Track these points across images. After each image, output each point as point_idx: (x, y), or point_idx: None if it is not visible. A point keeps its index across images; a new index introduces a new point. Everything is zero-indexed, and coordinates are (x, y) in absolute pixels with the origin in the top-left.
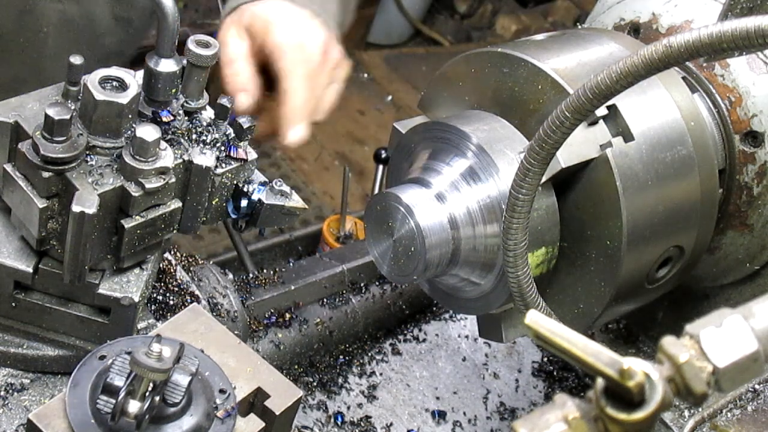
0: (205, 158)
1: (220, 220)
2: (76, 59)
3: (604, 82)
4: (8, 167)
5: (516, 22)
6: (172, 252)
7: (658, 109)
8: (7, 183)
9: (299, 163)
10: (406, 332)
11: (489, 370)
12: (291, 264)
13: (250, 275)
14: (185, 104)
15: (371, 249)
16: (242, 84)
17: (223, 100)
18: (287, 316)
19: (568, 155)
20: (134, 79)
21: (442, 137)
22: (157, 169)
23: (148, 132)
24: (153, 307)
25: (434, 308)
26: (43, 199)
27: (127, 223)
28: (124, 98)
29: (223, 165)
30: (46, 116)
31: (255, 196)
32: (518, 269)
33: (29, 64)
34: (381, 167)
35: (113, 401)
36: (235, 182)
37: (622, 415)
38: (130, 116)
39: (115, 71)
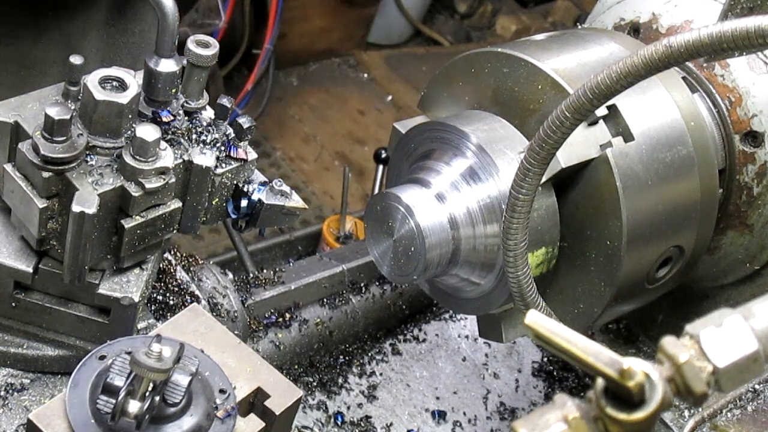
0: (205, 158)
1: (220, 220)
2: (76, 59)
3: (604, 82)
4: (8, 167)
5: (516, 22)
6: (172, 252)
7: (658, 109)
8: (7, 183)
9: (299, 163)
10: (406, 332)
11: (489, 370)
12: (291, 264)
13: (250, 275)
14: (185, 104)
15: (371, 249)
16: None
17: (223, 100)
18: (287, 316)
19: (568, 155)
20: (134, 79)
21: (442, 137)
22: (157, 169)
23: (148, 132)
24: (153, 307)
25: (434, 308)
26: (43, 199)
27: (127, 223)
28: (124, 98)
29: (223, 165)
30: (46, 116)
31: (255, 196)
32: (518, 269)
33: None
34: (381, 167)
35: (113, 401)
36: (235, 182)
37: (622, 415)
38: (130, 116)
39: (115, 71)
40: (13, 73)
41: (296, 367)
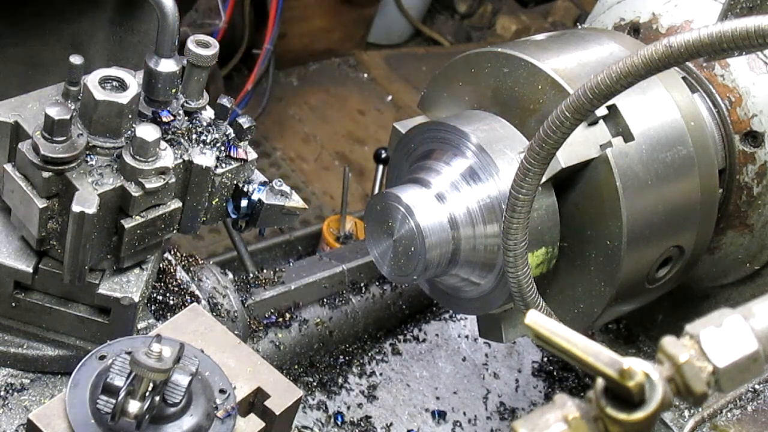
0: (205, 158)
1: (220, 220)
2: (76, 59)
3: (604, 82)
4: (8, 167)
5: (516, 22)
6: (172, 252)
7: (658, 109)
8: (7, 183)
9: (299, 163)
10: (406, 332)
11: (489, 370)
12: (291, 264)
13: (250, 275)
14: (185, 104)
15: (371, 249)
16: None
17: (223, 100)
18: (287, 316)
19: (568, 155)
20: (134, 79)
21: (442, 137)
22: (157, 169)
23: (148, 132)
24: (153, 307)
25: (434, 308)
26: (43, 199)
27: (127, 223)
28: (124, 98)
29: (223, 165)
30: (46, 116)
31: (255, 196)
32: (518, 269)
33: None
34: (381, 167)
35: (113, 401)
36: (235, 182)
37: (622, 415)
38: (130, 116)
39: (115, 71)
40: (20, 73)
41: (296, 367)
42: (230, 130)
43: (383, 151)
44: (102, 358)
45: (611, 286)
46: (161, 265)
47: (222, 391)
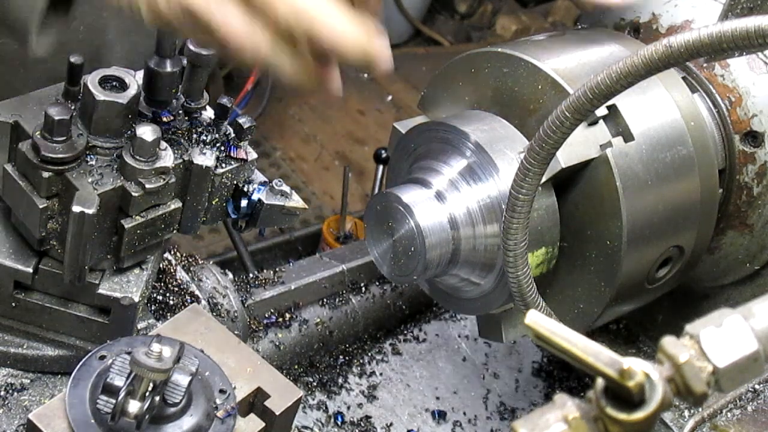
0: (205, 158)
1: (220, 220)
2: (76, 59)
3: (604, 82)
4: (8, 167)
5: (516, 22)
6: (172, 252)
7: (658, 109)
8: (7, 183)
9: (299, 163)
10: (406, 332)
11: (489, 370)
12: (291, 264)
13: (250, 275)
14: (185, 104)
15: (371, 249)
16: None
17: (223, 100)
18: (287, 316)
19: (568, 155)
20: (134, 79)
21: (442, 137)
22: (157, 169)
23: (148, 132)
24: (153, 307)
25: (434, 308)
26: (43, 199)
27: (127, 223)
28: (124, 98)
29: (223, 165)
30: (46, 116)
31: (255, 196)
32: (518, 269)
33: (90, 52)
34: (381, 167)
35: (113, 401)
36: (235, 182)
37: (622, 415)
38: (130, 116)
39: (115, 71)
40: (42, 85)
41: (296, 367)
42: (230, 130)
43: (383, 151)
44: (102, 358)
45: (611, 286)
46: (161, 265)
47: (222, 391)
